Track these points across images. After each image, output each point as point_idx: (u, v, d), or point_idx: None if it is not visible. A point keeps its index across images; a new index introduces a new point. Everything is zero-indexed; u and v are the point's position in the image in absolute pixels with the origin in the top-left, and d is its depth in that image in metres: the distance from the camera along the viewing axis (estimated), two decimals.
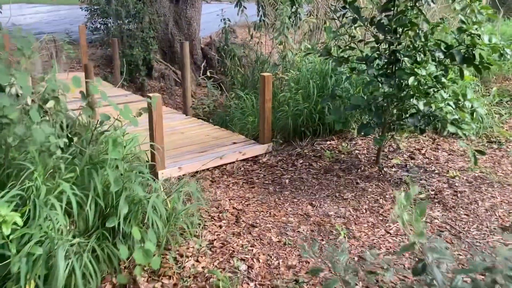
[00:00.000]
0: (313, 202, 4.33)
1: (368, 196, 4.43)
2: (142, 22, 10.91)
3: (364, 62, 4.51)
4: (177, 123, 6.62)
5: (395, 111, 4.61)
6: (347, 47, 4.62)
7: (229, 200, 4.44)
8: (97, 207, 3.14)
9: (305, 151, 5.58)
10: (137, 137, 3.56)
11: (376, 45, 4.51)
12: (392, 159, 5.26)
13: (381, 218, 4.06)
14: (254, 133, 6.14)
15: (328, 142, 5.78)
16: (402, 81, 4.15)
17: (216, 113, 8.29)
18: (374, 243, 3.67)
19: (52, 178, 3.04)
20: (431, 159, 5.32)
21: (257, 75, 8.33)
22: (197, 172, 5.17)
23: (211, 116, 8.39)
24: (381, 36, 4.46)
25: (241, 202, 4.40)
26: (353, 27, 5.03)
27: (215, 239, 3.70)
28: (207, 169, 5.27)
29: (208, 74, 8.88)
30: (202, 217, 4.02)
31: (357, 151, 5.52)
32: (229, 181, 4.96)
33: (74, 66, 10.62)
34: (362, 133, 4.46)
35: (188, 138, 5.95)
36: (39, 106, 3.06)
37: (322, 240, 3.71)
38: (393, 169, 5.02)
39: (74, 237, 3.05)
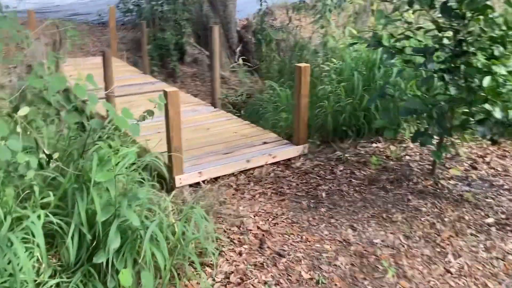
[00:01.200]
0: (355, 225, 3.58)
1: (422, 219, 3.64)
2: (175, 3, 10.27)
3: (422, 54, 3.67)
4: (203, 117, 5.97)
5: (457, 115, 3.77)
6: (402, 35, 3.79)
7: (254, 216, 3.76)
8: (83, 237, 2.53)
9: (346, 155, 4.80)
10: (134, 152, 2.88)
11: (438, 34, 3.66)
12: (450, 168, 4.42)
13: (438, 250, 3.28)
14: (288, 131, 5.41)
15: (374, 145, 4.97)
16: (471, 80, 3.30)
17: (249, 103, 7.59)
18: (431, 287, 2.91)
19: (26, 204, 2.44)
20: (498, 170, 4.44)
21: (294, 62, 7.55)
22: (219, 177, 4.52)
23: (243, 107, 7.70)
24: (443, 23, 3.61)
25: (268, 219, 3.71)
26: (408, 11, 4.17)
27: (232, 272, 3.04)
28: (232, 174, 4.61)
29: (241, 61, 8.16)
30: (219, 240, 3.36)
31: (408, 157, 4.70)
32: (256, 190, 4.28)
33: (104, 49, 10.13)
34: (418, 143, 3.66)
35: (213, 136, 5.29)
36: (8, 114, 2.46)
37: (365, 278, 2.98)
38: (452, 182, 4.19)
39: (55, 273, 2.46)
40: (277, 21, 12.10)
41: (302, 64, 4.76)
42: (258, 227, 3.58)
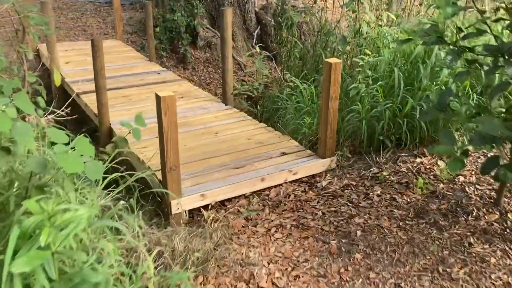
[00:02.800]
0: (402, 284, 2.70)
1: (493, 276, 2.74)
2: None
3: (499, 54, 2.71)
4: (212, 117, 5.08)
5: None
6: (472, 29, 2.82)
7: (268, 264, 2.89)
8: None
9: (384, 172, 3.89)
10: (83, 219, 1.98)
11: None
12: None
13: None
14: (312, 139, 4.50)
15: (418, 160, 4.04)
16: None
17: (266, 96, 6.67)
18: None
19: None
20: None
21: (319, 50, 6.58)
22: (227, 199, 3.66)
23: (260, 100, 6.80)
24: None
25: (286, 269, 2.85)
26: None
27: None
28: (243, 195, 3.74)
29: (258, 49, 7.19)
30: None
31: (461, 178, 3.77)
32: (272, 221, 3.40)
33: (108, 32, 9.27)
34: (491, 174, 2.73)
35: (222, 143, 4.41)
36: None
37: None
38: None
39: None
40: (299, 1, 11.08)
41: (333, 60, 3.81)
42: (273, 282, 2.72)
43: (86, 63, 7.07)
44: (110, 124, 4.86)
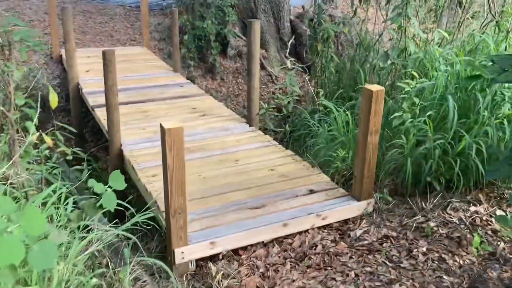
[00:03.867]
0: None
1: None
2: None
3: None
4: (234, 140, 4.55)
5: None
6: None
7: None
8: None
9: (431, 223, 3.25)
10: None
11: None
12: None
13: None
14: (346, 174, 3.90)
15: (473, 208, 3.38)
16: None
17: (296, 115, 6.10)
18: None
19: None
20: None
21: (357, 66, 5.96)
22: (241, 247, 3.11)
23: (289, 118, 6.23)
24: None
25: None
26: None
27: None
28: (262, 242, 3.18)
29: (289, 64, 6.62)
30: None
31: None
32: (293, 280, 2.83)
33: (135, 38, 8.90)
34: None
35: (242, 174, 3.86)
36: None
37: None
38: None
39: None
40: (338, 10, 10.46)
41: (374, 87, 3.21)
42: None
43: None
44: (120, 145, 4.39)
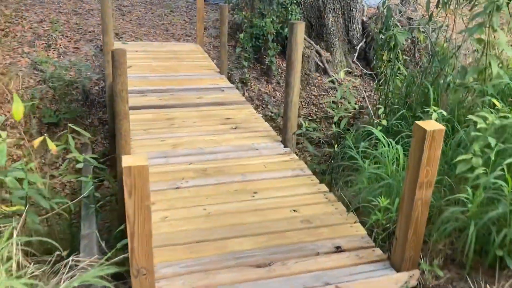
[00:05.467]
0: None
1: None
2: None
3: None
4: (260, 163, 3.80)
5: None
6: None
7: None
8: None
9: None
10: None
11: None
12: None
13: None
14: (389, 227, 3.02)
15: None
16: None
17: (348, 134, 5.24)
18: None
19: None
20: None
21: (427, 82, 4.97)
22: None
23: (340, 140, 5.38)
24: None
25: None
26: None
27: None
28: None
29: (343, 76, 5.71)
30: None
31: None
32: None
33: (191, 33, 8.39)
34: None
35: (256, 212, 3.12)
36: None
37: None
38: None
39: None
40: (418, 13, 9.30)
41: (430, 124, 2.32)
42: None
43: (149, 70, 6.20)
44: None
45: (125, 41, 7.67)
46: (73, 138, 6.60)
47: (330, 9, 8.55)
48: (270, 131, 4.48)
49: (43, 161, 5.54)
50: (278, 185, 3.49)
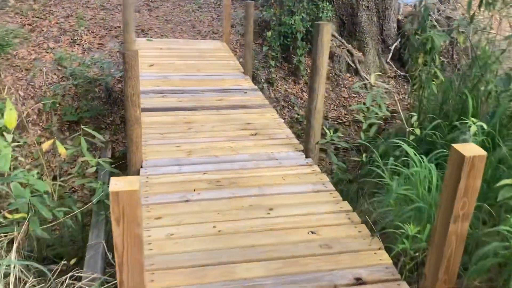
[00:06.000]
0: None
1: None
2: None
3: None
4: (278, 175, 3.52)
5: None
6: None
7: None
8: None
9: None
10: None
11: None
12: None
13: None
14: (418, 256, 2.69)
15: None
16: None
17: (377, 144, 4.90)
18: None
19: None
20: None
21: (465, 89, 4.58)
22: None
23: (369, 144, 5.04)
24: None
25: None
26: None
27: None
28: None
29: (374, 80, 5.33)
30: None
31: None
32: None
33: (218, 31, 8.15)
34: None
35: (271, 233, 2.84)
36: None
37: None
38: None
39: None
40: (458, 12, 8.78)
41: (469, 148, 1.99)
42: None
43: (171, 69, 6.00)
44: (141, 166, 3.61)
45: (150, 37, 7.51)
46: (93, 137, 6.53)
47: (363, 7, 8.15)
48: (292, 139, 4.19)
49: (62, 160, 5.41)
50: (297, 201, 3.21)
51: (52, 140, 3.72)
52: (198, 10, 8.94)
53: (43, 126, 6.28)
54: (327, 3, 7.68)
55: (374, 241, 2.80)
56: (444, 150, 3.31)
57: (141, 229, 1.82)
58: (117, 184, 1.76)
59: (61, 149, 3.68)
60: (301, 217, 3.02)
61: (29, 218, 3.09)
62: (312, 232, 2.87)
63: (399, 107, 4.97)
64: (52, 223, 3.32)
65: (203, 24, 8.35)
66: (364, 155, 4.61)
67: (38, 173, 3.53)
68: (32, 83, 6.55)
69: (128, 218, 1.77)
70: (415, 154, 3.09)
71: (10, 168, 3.32)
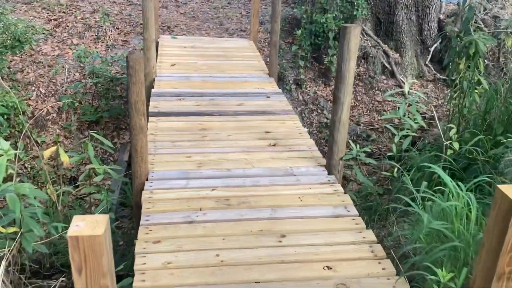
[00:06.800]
0: None
1: None
2: None
3: None
4: (295, 195, 3.15)
5: None
6: None
7: None
8: None
9: None
10: None
11: None
12: None
13: None
14: None
15: None
16: None
17: (410, 158, 4.46)
18: None
19: None
20: None
21: (510, 102, 4.09)
22: None
23: (404, 156, 4.61)
24: None
25: None
26: None
27: None
28: None
29: (410, 82, 4.84)
30: None
31: None
32: None
33: (247, 28, 7.81)
34: None
35: (280, 267, 2.49)
36: None
37: None
38: None
39: None
40: (507, 11, 8.12)
41: None
42: None
43: (193, 69, 5.71)
44: (147, 179, 3.32)
45: (175, 35, 7.24)
46: (113, 137, 6.33)
47: (402, 5, 7.63)
48: (314, 151, 3.81)
49: (71, 167, 5.22)
50: (314, 227, 2.84)
51: (55, 147, 3.48)
52: (227, 6, 8.63)
53: (62, 124, 6.12)
54: (363, 0, 7.21)
55: (399, 282, 2.41)
56: (488, 177, 2.87)
57: (109, 279, 1.51)
58: (79, 226, 1.45)
59: (64, 157, 3.44)
60: (317, 248, 2.65)
61: (20, 235, 2.86)
62: (328, 268, 2.50)
63: (436, 117, 4.49)
64: (48, 239, 3.08)
65: (231, 21, 8.03)
66: (395, 169, 4.20)
67: (37, 181, 3.31)
68: (54, 80, 6.41)
69: (92, 268, 1.46)
70: (451, 181, 2.66)
71: (9, 178, 3.10)
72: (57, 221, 3.45)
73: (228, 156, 3.67)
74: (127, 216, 4.32)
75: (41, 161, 3.70)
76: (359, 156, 3.55)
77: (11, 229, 2.93)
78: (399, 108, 4.25)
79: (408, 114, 4.50)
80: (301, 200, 3.13)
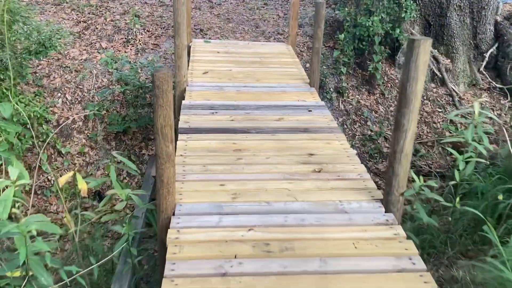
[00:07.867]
0: None
1: None
2: None
3: None
4: (349, 239, 2.62)
5: None
6: None
7: None
8: None
9: None
10: None
11: None
12: None
13: None
14: None
15: None
16: None
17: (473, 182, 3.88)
18: None
19: None
20: None
21: None
22: None
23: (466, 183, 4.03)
24: None
25: None
26: None
27: None
28: None
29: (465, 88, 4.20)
30: None
31: None
32: None
33: (284, 31, 7.29)
34: None
35: None
36: None
37: None
38: None
39: None
40: None
41: None
42: None
43: (227, 77, 5.25)
44: (173, 213, 2.87)
45: (208, 39, 6.80)
46: (141, 148, 5.93)
47: (455, 6, 6.97)
48: (367, 181, 3.27)
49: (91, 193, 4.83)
50: (371, 286, 2.33)
51: (72, 173, 3.07)
52: (263, 7, 8.13)
53: (88, 134, 5.77)
54: (411, 2, 6.58)
55: None
56: None
57: None
58: None
59: (81, 184, 3.03)
60: None
61: (27, 280, 2.46)
62: None
63: (507, 135, 3.89)
64: (59, 284, 2.67)
65: (268, 23, 7.53)
66: (458, 198, 3.63)
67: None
68: (81, 86, 6.07)
69: None
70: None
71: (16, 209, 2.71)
72: (74, 250, 3.06)
73: (267, 185, 3.18)
74: (151, 249, 3.89)
75: (57, 187, 3.30)
76: (423, 191, 3.00)
77: (16, 273, 2.54)
78: (460, 129, 3.68)
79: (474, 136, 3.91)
80: (356, 247, 2.61)
